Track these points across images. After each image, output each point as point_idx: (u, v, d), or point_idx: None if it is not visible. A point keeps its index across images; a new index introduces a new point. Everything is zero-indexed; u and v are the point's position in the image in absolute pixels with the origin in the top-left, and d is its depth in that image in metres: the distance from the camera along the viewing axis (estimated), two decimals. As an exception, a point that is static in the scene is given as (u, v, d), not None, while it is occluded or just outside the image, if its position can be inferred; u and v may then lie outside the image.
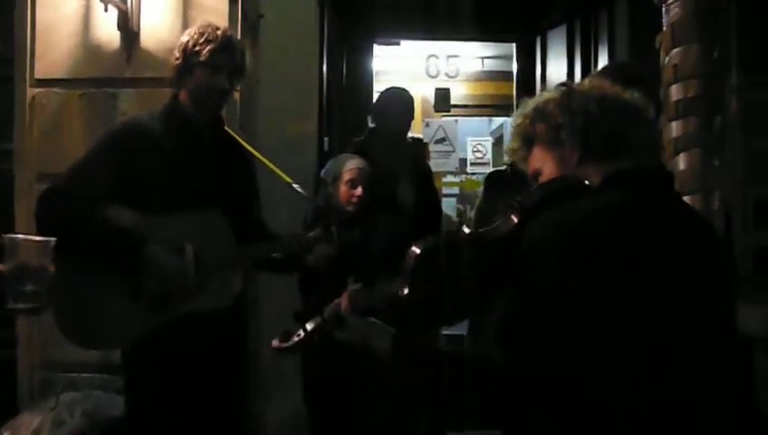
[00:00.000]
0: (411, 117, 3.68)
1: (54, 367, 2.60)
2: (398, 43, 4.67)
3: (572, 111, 1.28)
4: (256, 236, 2.16)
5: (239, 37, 2.69)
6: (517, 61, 4.46)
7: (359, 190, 2.71)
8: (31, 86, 2.79)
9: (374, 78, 4.37)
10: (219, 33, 2.05)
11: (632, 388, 1.11)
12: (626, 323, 1.12)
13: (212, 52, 2.01)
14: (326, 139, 3.36)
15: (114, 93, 2.72)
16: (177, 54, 2.05)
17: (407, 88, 3.39)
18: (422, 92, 5.27)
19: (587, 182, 1.26)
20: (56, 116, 2.75)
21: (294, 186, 2.26)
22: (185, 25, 2.66)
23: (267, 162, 2.27)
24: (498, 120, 5.57)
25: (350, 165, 2.73)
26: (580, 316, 1.12)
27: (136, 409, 2.05)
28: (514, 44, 4.52)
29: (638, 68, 2.67)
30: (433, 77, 5.04)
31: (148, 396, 2.02)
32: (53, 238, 1.34)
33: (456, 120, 5.73)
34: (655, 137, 1.39)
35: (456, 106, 5.63)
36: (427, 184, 3.55)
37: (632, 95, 1.31)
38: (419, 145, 3.87)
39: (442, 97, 5.14)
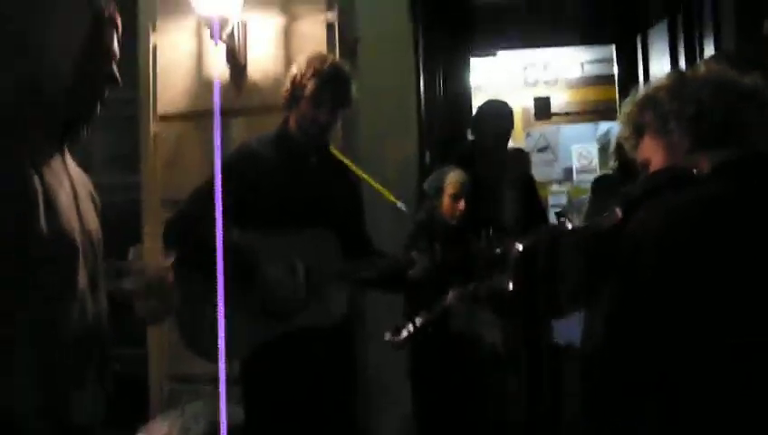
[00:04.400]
0: (510, 128, 3.66)
1: (181, 379, 2.79)
2: (494, 54, 4.68)
3: (683, 99, 1.25)
4: (362, 254, 2.22)
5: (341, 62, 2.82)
6: (618, 63, 4.32)
7: (461, 203, 2.73)
8: (154, 122, 3.05)
9: (472, 90, 4.38)
10: (326, 66, 2.13)
11: (732, 380, 1.07)
12: (721, 315, 1.09)
13: (316, 87, 2.09)
14: (427, 153, 3.40)
15: (226, 123, 2.92)
16: (287, 84, 2.16)
17: (505, 99, 3.39)
18: (521, 102, 5.22)
19: (695, 171, 1.23)
20: (176, 147, 2.99)
21: (399, 204, 2.31)
22: (287, 55, 2.82)
23: (372, 181, 2.33)
24: (604, 125, 5.42)
25: (453, 178, 2.76)
26: (678, 309, 1.10)
27: (251, 418, 2.15)
28: (614, 46, 4.39)
29: (753, 54, 2.54)
30: (531, 86, 4.99)
31: (262, 406, 2.14)
32: (173, 258, 1.44)
33: (558, 129, 5.64)
34: None
35: (556, 114, 5.54)
36: (530, 193, 3.53)
37: (752, 80, 1.26)
38: (521, 155, 3.84)
39: (542, 105, 5.07)
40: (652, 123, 1.29)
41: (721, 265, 1.11)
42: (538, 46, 4.51)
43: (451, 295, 2.17)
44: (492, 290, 2.01)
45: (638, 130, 1.33)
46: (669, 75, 1.35)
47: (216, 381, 2.71)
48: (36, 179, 1.18)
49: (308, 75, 2.11)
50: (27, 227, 1.15)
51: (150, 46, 3.03)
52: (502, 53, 4.73)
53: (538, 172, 4.32)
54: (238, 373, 2.21)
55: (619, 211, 1.31)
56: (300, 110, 2.14)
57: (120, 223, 3.24)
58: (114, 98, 3.52)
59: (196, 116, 2.96)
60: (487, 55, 4.57)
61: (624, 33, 4.19)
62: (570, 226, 1.40)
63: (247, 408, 2.18)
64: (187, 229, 2.05)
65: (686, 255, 1.12)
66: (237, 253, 2.01)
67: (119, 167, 3.49)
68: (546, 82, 5.11)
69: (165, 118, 3.02)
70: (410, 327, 2.04)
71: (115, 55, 1.34)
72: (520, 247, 1.31)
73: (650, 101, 1.30)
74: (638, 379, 1.14)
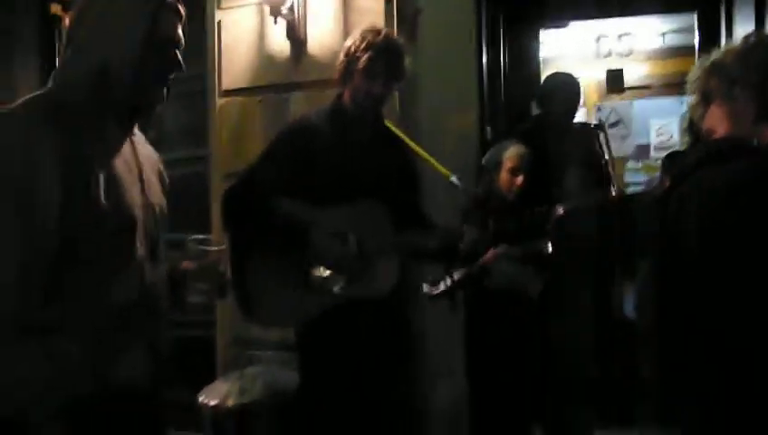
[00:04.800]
0: (577, 101, 3.55)
1: (242, 345, 2.91)
2: (565, 26, 4.51)
3: (750, 65, 1.20)
4: (417, 227, 2.23)
5: (395, 34, 2.81)
6: (699, 33, 4.07)
7: (519, 178, 2.69)
8: (219, 97, 3.15)
9: (541, 63, 4.27)
10: (379, 39, 2.13)
11: None
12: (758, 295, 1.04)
13: (369, 59, 2.11)
14: (488, 128, 3.35)
15: (286, 97, 2.98)
16: (342, 58, 2.19)
17: (576, 71, 3.28)
18: (593, 75, 5.02)
19: (756, 142, 1.18)
20: (240, 121, 3.08)
21: (452, 178, 2.28)
22: (346, 29, 2.83)
23: (426, 155, 2.32)
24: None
25: (512, 152, 2.72)
26: (721, 289, 1.05)
27: (306, 384, 2.22)
28: (695, 15, 4.14)
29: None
30: (604, 58, 4.79)
31: (317, 374, 2.19)
32: (225, 245, 1.54)
33: (632, 103, 5.36)
34: None
35: (632, 88, 5.29)
36: (600, 170, 3.41)
37: None
38: (591, 131, 3.71)
39: (614, 78, 4.84)
40: (718, 90, 1.25)
41: (757, 243, 1.06)
42: (613, 16, 4.32)
43: (490, 253, 2.15)
44: (531, 251, 1.99)
45: (705, 97, 1.29)
46: (743, 39, 1.28)
47: (275, 346, 2.83)
48: (99, 157, 1.30)
49: (361, 48, 2.12)
50: (90, 201, 1.25)
51: (215, 23, 3.12)
52: (573, 25, 4.56)
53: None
54: (295, 341, 2.29)
55: (666, 179, 1.27)
56: (354, 83, 2.16)
57: (190, 195, 3.39)
58: (185, 75, 3.67)
59: (258, 90, 3.04)
60: (559, 27, 4.42)
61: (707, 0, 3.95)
62: (614, 192, 1.36)
63: (302, 374, 2.25)
64: (245, 198, 2.13)
65: (727, 234, 1.08)
66: (288, 222, 2.07)
67: (189, 140, 3.63)
68: (620, 54, 4.88)
69: (229, 92, 3.12)
70: (448, 281, 2.05)
71: (179, 41, 1.42)
72: (560, 211, 1.29)
73: (717, 66, 1.26)
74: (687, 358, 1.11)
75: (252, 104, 3.07)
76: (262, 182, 2.14)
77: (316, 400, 2.19)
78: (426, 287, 2.12)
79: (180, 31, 1.43)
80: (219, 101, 3.15)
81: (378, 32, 2.17)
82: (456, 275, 2.04)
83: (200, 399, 2.57)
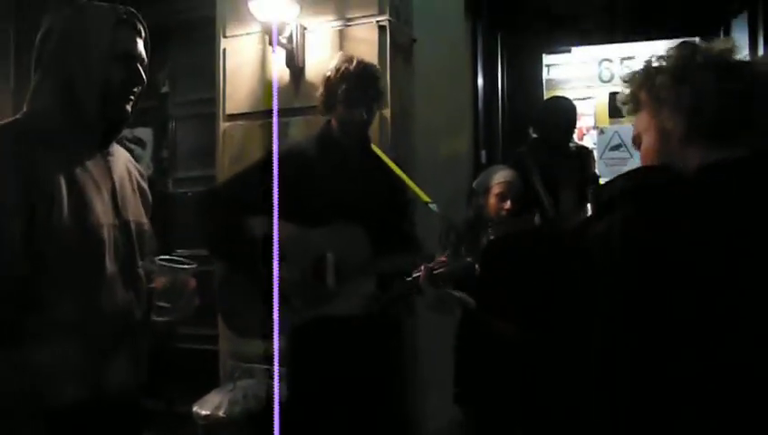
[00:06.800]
0: (573, 124, 3.62)
1: (239, 358, 3.01)
2: (569, 51, 4.59)
3: (682, 85, 1.13)
4: (402, 250, 2.25)
5: (388, 63, 2.93)
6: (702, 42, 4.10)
7: (507, 204, 2.66)
8: (223, 120, 3.30)
9: (544, 87, 4.34)
10: (353, 68, 2.21)
11: None
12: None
13: (347, 90, 2.19)
14: (483, 151, 3.44)
15: (286, 122, 3.10)
16: (321, 90, 2.28)
17: (579, 95, 3.34)
18: (596, 99, 5.07)
19: (680, 169, 1.12)
20: (242, 144, 3.21)
21: (430, 205, 2.31)
22: (342, 56, 2.94)
23: (406, 178, 2.38)
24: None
25: (500, 178, 2.72)
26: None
27: (294, 397, 2.28)
28: (697, 40, 4.17)
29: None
30: (606, 82, 4.83)
31: (304, 386, 2.26)
32: (194, 265, 1.57)
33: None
34: None
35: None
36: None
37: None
38: (585, 153, 3.78)
39: (616, 102, 4.88)
40: (648, 104, 1.18)
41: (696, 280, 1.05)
42: (615, 42, 4.38)
43: (424, 270, 2.16)
44: (453, 272, 1.98)
45: (635, 101, 1.22)
46: (677, 50, 1.18)
47: (268, 360, 2.90)
48: (64, 181, 1.35)
49: (337, 78, 2.21)
50: (54, 223, 1.31)
51: (221, 50, 3.27)
52: (576, 49, 4.63)
53: (609, 170, 4.20)
54: (284, 353, 2.36)
55: (591, 208, 1.23)
56: (337, 112, 2.25)
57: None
58: (196, 98, 3.82)
59: (259, 115, 3.17)
60: (561, 52, 4.50)
61: (706, 25, 4.00)
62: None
63: (290, 387, 2.29)
64: (211, 209, 2.21)
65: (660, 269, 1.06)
66: (254, 243, 2.11)
67: (200, 161, 3.79)
68: (622, 78, 4.92)
69: (232, 117, 3.25)
70: (378, 294, 2.11)
71: (141, 57, 1.48)
72: (492, 236, 1.33)
73: (649, 79, 1.18)
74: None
75: (254, 128, 3.20)
76: (234, 193, 2.20)
77: (304, 412, 2.23)
78: (370, 299, 2.17)
79: (141, 46, 1.48)
80: (223, 125, 3.29)
81: (350, 60, 2.24)
82: (394, 291, 2.09)
83: (194, 409, 2.68)
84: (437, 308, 1.62)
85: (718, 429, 1.04)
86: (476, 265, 1.47)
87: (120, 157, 1.57)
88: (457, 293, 1.58)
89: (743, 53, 1.17)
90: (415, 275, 2.14)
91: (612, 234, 1.12)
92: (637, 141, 1.23)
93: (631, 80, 1.23)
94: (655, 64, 1.20)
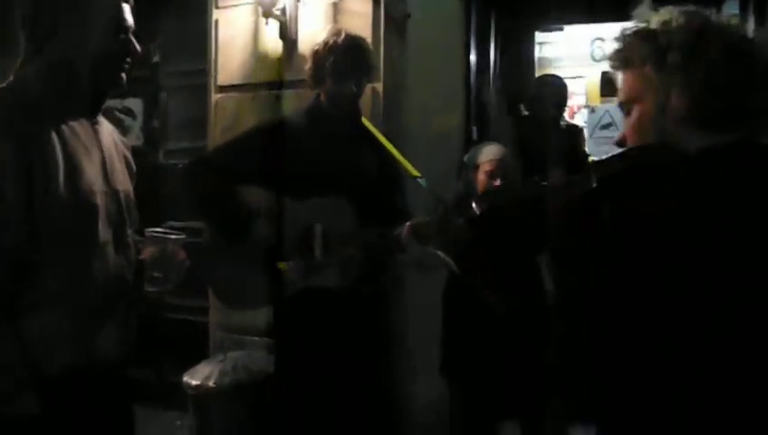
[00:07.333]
0: (564, 103, 3.65)
1: (229, 330, 3.04)
2: (561, 29, 4.59)
3: (696, 63, 1.06)
4: (391, 223, 2.23)
5: (382, 37, 2.92)
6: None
7: (497, 181, 2.64)
8: (215, 93, 3.28)
9: (536, 65, 4.35)
10: (341, 40, 2.20)
11: None
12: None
13: (335, 63, 2.19)
14: (474, 128, 3.45)
15: (278, 94, 3.10)
16: (309, 64, 2.27)
17: (571, 73, 3.35)
18: (587, 78, 5.09)
19: (678, 150, 1.10)
20: (233, 116, 3.20)
21: (419, 180, 2.32)
22: (336, 29, 2.92)
23: (397, 154, 2.38)
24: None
25: (490, 155, 2.69)
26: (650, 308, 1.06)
27: (278, 368, 2.33)
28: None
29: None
30: (598, 61, 4.84)
31: (290, 357, 2.29)
32: (183, 236, 1.58)
33: (625, 105, 5.35)
34: None
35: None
36: (585, 168, 3.49)
37: None
38: (575, 131, 3.80)
39: (607, 81, 4.91)
40: (650, 77, 1.10)
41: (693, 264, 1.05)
42: (608, 21, 4.37)
43: (407, 226, 2.14)
44: (439, 225, 1.99)
45: (625, 62, 1.14)
46: (690, 19, 1.09)
47: (260, 332, 2.94)
48: (59, 149, 1.37)
49: (325, 52, 2.20)
50: (50, 190, 1.33)
51: (213, 21, 3.24)
52: (569, 28, 4.63)
53: (600, 150, 4.23)
54: (272, 326, 2.39)
55: (593, 180, 1.18)
56: (326, 86, 2.24)
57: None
58: (187, 69, 3.78)
59: (251, 87, 3.16)
60: (553, 30, 4.50)
61: (701, 5, 4.00)
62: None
63: (277, 358, 2.33)
64: (204, 176, 2.20)
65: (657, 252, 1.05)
66: (236, 212, 2.15)
67: (191, 133, 3.77)
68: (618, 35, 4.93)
69: (224, 88, 3.24)
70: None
71: (130, 27, 1.48)
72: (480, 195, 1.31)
73: (657, 51, 1.09)
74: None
75: (246, 100, 3.19)
76: (221, 166, 2.21)
77: (291, 384, 2.27)
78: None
79: (129, 16, 1.48)
80: (215, 97, 3.28)
81: (338, 33, 2.24)
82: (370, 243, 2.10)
83: (184, 379, 2.71)
84: (420, 266, 1.64)
85: (708, 406, 1.05)
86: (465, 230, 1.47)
87: (106, 127, 1.59)
88: (441, 253, 1.60)
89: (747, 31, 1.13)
90: (397, 232, 2.15)
91: (615, 212, 1.12)
92: (626, 108, 1.16)
93: (631, 40, 1.13)
94: (659, 28, 1.10)
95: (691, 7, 1.13)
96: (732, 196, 1.06)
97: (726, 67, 1.07)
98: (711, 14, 1.12)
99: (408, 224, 2.10)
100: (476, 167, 2.73)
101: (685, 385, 1.06)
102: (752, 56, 1.10)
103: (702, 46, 1.07)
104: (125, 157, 1.62)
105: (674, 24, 1.10)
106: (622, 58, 1.14)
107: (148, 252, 1.53)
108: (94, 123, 1.51)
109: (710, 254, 1.04)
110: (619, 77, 1.17)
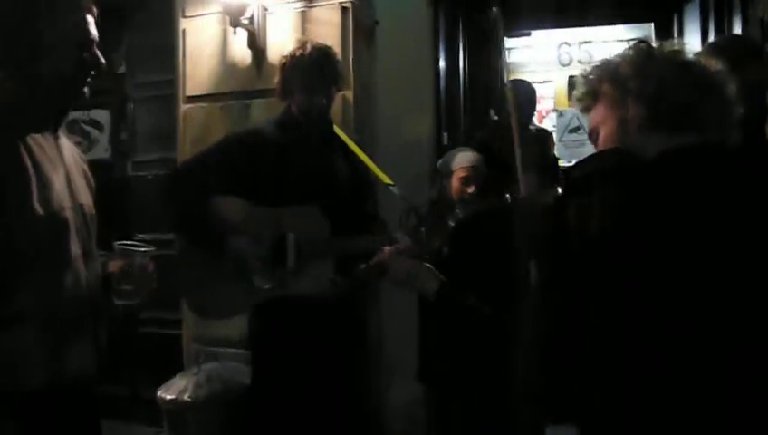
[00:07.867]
0: (533, 108, 3.69)
1: (203, 342, 3.01)
2: (528, 34, 4.64)
3: (646, 76, 1.20)
4: (364, 231, 2.25)
5: (351, 45, 2.93)
6: (656, 41, 4.21)
7: (471, 188, 2.67)
8: (183, 103, 3.25)
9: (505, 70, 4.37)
10: (307, 54, 2.20)
11: None
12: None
13: (303, 76, 2.19)
14: (445, 134, 3.47)
15: (248, 104, 3.08)
16: (278, 76, 2.27)
17: (539, 78, 3.39)
18: (555, 82, 5.16)
19: (641, 154, 1.18)
20: (203, 127, 3.18)
21: (391, 187, 2.32)
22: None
23: (368, 160, 2.40)
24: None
25: (464, 161, 2.70)
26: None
27: (254, 379, 2.31)
28: (652, 24, 4.28)
29: (754, 41, 2.49)
30: (565, 65, 4.92)
31: (264, 369, 2.27)
32: (153, 248, 1.56)
33: (593, 108, 5.44)
34: (729, 113, 1.24)
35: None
36: (553, 174, 3.54)
37: (715, 65, 1.22)
38: (544, 135, 3.85)
39: (575, 85, 4.99)
40: (609, 94, 1.23)
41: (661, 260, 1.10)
42: (573, 26, 4.45)
43: (387, 250, 2.13)
44: (424, 249, 2.00)
45: (593, 95, 1.27)
46: (635, 48, 1.27)
47: (235, 344, 2.91)
48: (29, 163, 1.35)
49: (293, 65, 2.20)
50: (23, 206, 1.31)
51: (180, 31, 3.21)
52: (536, 33, 4.69)
53: (568, 152, 4.30)
54: (247, 336, 2.36)
55: (559, 190, 1.29)
56: (295, 98, 2.24)
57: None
58: (155, 79, 3.74)
59: (220, 97, 3.14)
60: (521, 35, 4.55)
61: (662, 11, 4.09)
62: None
63: (254, 369, 2.31)
64: (182, 192, 2.18)
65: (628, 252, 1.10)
66: (207, 221, 2.13)
67: (159, 144, 3.73)
68: (581, 62, 5.03)
69: (192, 99, 3.21)
70: (338, 279, 2.13)
71: (94, 39, 1.46)
72: (461, 215, 1.35)
73: (612, 73, 1.23)
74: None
75: (215, 110, 3.16)
76: (198, 181, 2.19)
77: (267, 394, 2.25)
78: (329, 283, 2.18)
79: (94, 30, 1.46)
80: (183, 107, 3.25)
81: (304, 45, 2.24)
82: (356, 272, 2.10)
83: (159, 393, 2.67)
84: (407, 283, 1.64)
85: (686, 399, 1.08)
86: (443, 248, 1.49)
87: (65, 140, 1.57)
88: (428, 265, 1.60)
89: (691, 53, 1.25)
90: (374, 261, 2.16)
91: (590, 213, 1.15)
92: (593, 135, 1.28)
93: (592, 73, 1.28)
94: (611, 63, 1.25)
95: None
96: (684, 191, 1.14)
97: (676, 75, 1.20)
98: (661, 44, 1.28)
99: (387, 249, 2.10)
100: (450, 173, 2.73)
101: (660, 382, 1.09)
102: (697, 70, 1.22)
103: (651, 64, 1.22)
104: (83, 171, 1.61)
105: (627, 52, 1.26)
106: (591, 93, 1.27)
107: (116, 265, 1.52)
108: (56, 138, 1.50)
109: (665, 247, 1.11)
110: (590, 116, 1.30)
